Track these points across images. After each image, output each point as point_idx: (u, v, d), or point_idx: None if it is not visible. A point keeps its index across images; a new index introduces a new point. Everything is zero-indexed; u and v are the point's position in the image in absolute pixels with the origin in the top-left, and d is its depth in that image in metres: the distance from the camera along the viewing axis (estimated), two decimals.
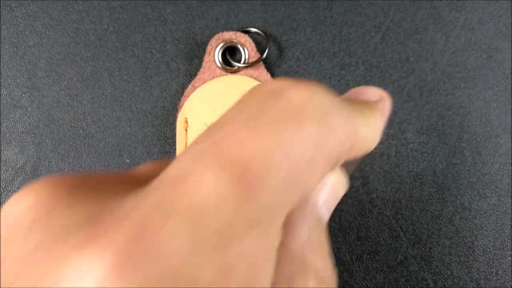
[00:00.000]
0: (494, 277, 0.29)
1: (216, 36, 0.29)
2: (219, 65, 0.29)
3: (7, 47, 0.30)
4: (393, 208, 0.29)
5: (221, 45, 0.29)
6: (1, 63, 0.30)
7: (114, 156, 0.29)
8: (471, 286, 0.29)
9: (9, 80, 0.30)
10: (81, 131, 0.29)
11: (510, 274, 0.29)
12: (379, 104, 0.14)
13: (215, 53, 0.29)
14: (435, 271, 0.29)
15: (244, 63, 0.29)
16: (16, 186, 0.29)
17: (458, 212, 0.29)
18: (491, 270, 0.29)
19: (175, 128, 0.29)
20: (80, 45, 0.30)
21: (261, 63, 0.29)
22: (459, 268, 0.29)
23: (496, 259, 0.29)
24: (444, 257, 0.29)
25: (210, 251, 0.08)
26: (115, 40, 0.30)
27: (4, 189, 0.29)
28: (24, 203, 0.10)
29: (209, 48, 0.29)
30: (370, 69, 0.30)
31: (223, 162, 0.09)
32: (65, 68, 0.30)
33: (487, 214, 0.29)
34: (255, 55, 0.29)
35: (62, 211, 0.10)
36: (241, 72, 0.29)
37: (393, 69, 0.30)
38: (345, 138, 0.11)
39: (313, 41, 0.30)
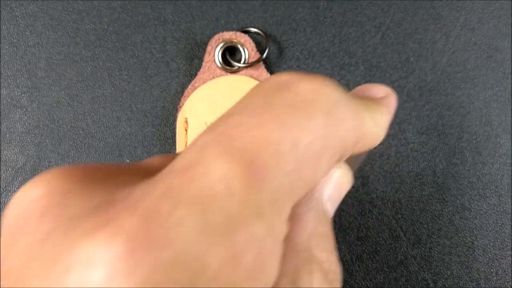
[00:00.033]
0: (494, 277, 0.29)
1: (216, 36, 0.29)
2: (219, 65, 0.29)
3: (7, 47, 0.30)
4: (393, 208, 0.29)
5: (221, 45, 0.29)
6: (1, 63, 0.30)
7: (114, 156, 0.29)
8: (471, 286, 0.29)
9: (9, 80, 0.30)
10: (81, 131, 0.29)
11: (510, 274, 0.29)
12: (385, 100, 0.14)
13: (215, 53, 0.29)
14: (435, 271, 0.29)
15: (244, 63, 0.29)
16: (16, 186, 0.29)
17: (458, 212, 0.29)
18: (491, 270, 0.29)
19: (175, 128, 0.29)
20: (80, 45, 0.30)
21: (261, 63, 0.29)
22: (459, 268, 0.29)
23: (496, 259, 0.29)
24: (444, 257, 0.29)
25: (218, 237, 0.09)
26: (115, 40, 0.30)
27: (4, 189, 0.29)
28: (35, 192, 0.10)
29: (209, 48, 0.29)
30: (370, 69, 0.30)
31: (230, 151, 0.09)
32: (65, 68, 0.30)
33: (487, 214, 0.29)
34: (255, 55, 0.29)
35: (74, 200, 0.10)
36: (241, 72, 0.29)
37: (393, 69, 0.30)
38: (352, 131, 0.12)
39: (313, 41, 0.30)
